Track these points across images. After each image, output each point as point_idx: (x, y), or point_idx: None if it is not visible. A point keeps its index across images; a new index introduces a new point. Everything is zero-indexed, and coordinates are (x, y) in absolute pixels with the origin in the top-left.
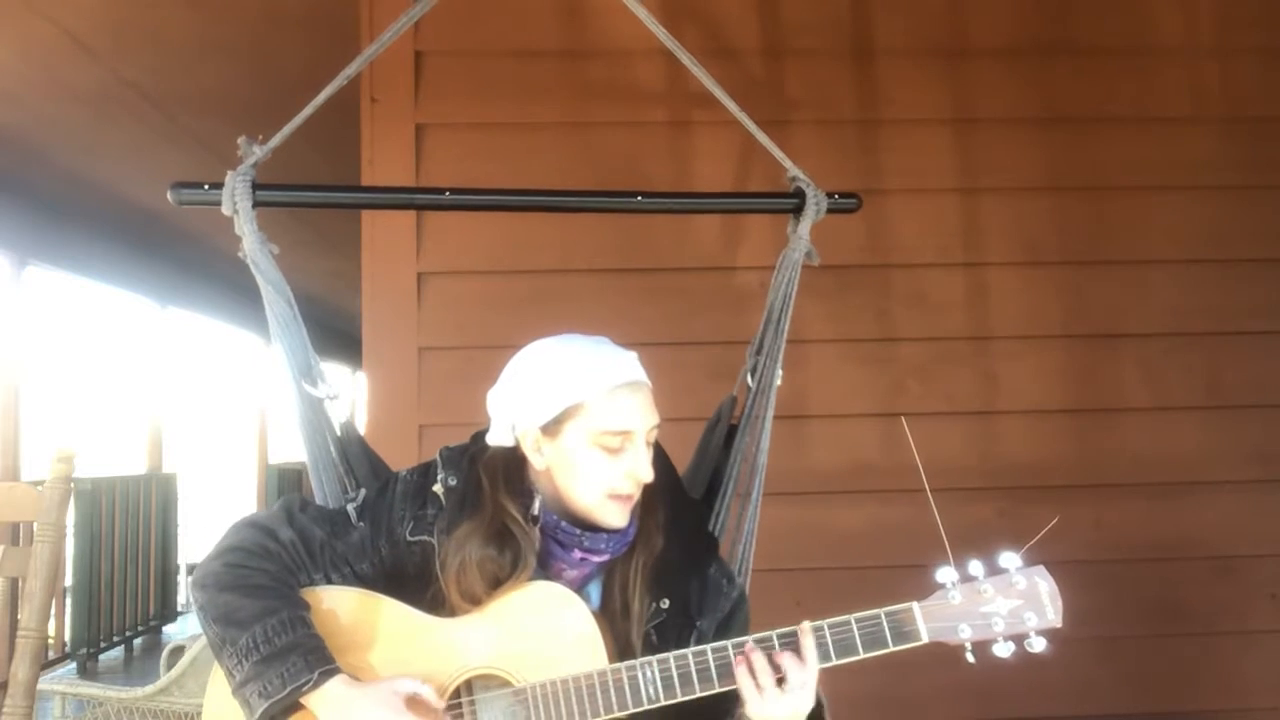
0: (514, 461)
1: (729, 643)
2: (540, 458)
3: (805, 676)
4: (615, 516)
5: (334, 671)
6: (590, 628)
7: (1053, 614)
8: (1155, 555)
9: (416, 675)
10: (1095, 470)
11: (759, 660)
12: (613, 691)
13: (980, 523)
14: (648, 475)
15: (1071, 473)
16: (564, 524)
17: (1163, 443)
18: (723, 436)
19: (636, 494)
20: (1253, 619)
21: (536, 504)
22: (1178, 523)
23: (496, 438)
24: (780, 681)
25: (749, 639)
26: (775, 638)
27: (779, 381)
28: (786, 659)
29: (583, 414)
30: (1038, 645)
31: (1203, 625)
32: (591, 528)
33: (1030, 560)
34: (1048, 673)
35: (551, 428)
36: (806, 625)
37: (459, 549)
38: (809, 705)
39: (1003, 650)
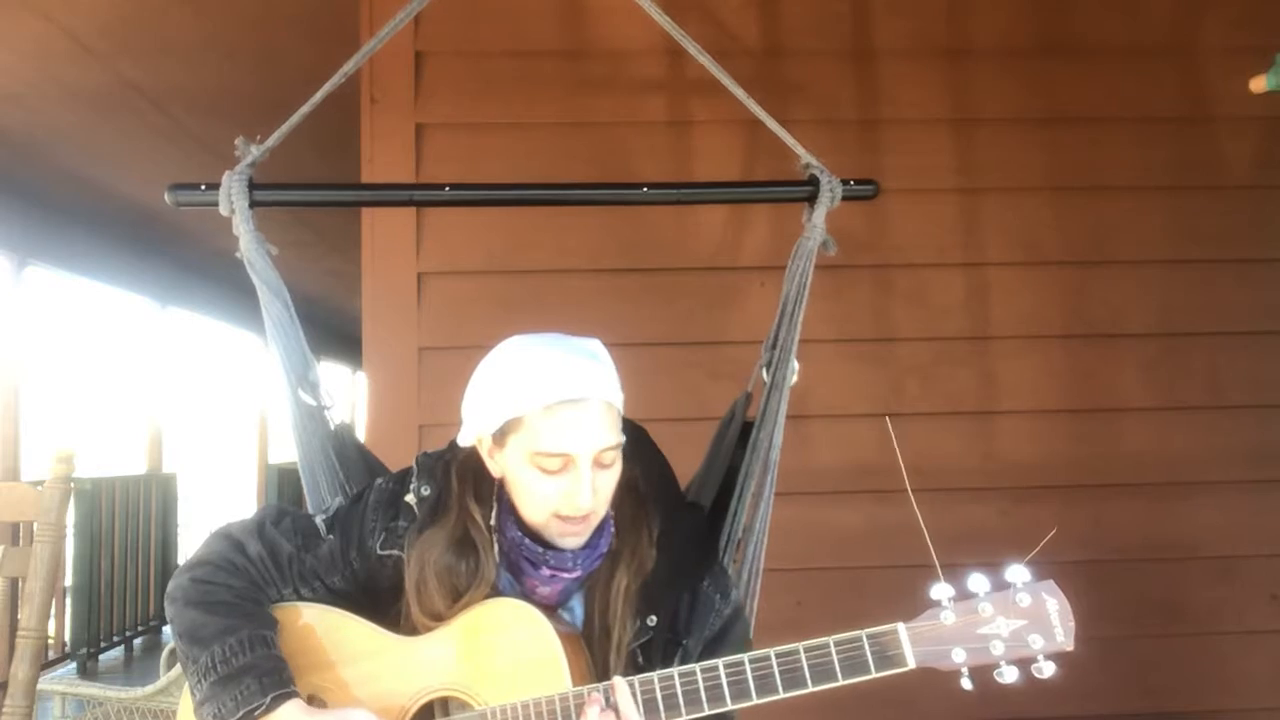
0: (485, 466)
1: (697, 667)
2: (493, 465)
3: None
4: (564, 539)
5: (289, 695)
6: (554, 649)
7: (1062, 635)
8: (1155, 555)
9: (381, 694)
10: (1095, 470)
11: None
12: (574, 715)
13: (980, 523)
14: (586, 503)
15: (1071, 473)
16: (527, 542)
17: (1163, 443)
18: (736, 434)
19: (591, 518)
20: (1253, 619)
21: (493, 514)
22: (1178, 523)
23: (465, 438)
24: None
25: (586, 689)
26: (603, 690)
27: (795, 377)
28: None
29: (522, 429)
30: (1046, 671)
31: (1203, 625)
32: (555, 545)
33: (1036, 570)
34: None
35: (499, 438)
36: (617, 681)
37: (420, 555)
38: None
39: (1005, 676)
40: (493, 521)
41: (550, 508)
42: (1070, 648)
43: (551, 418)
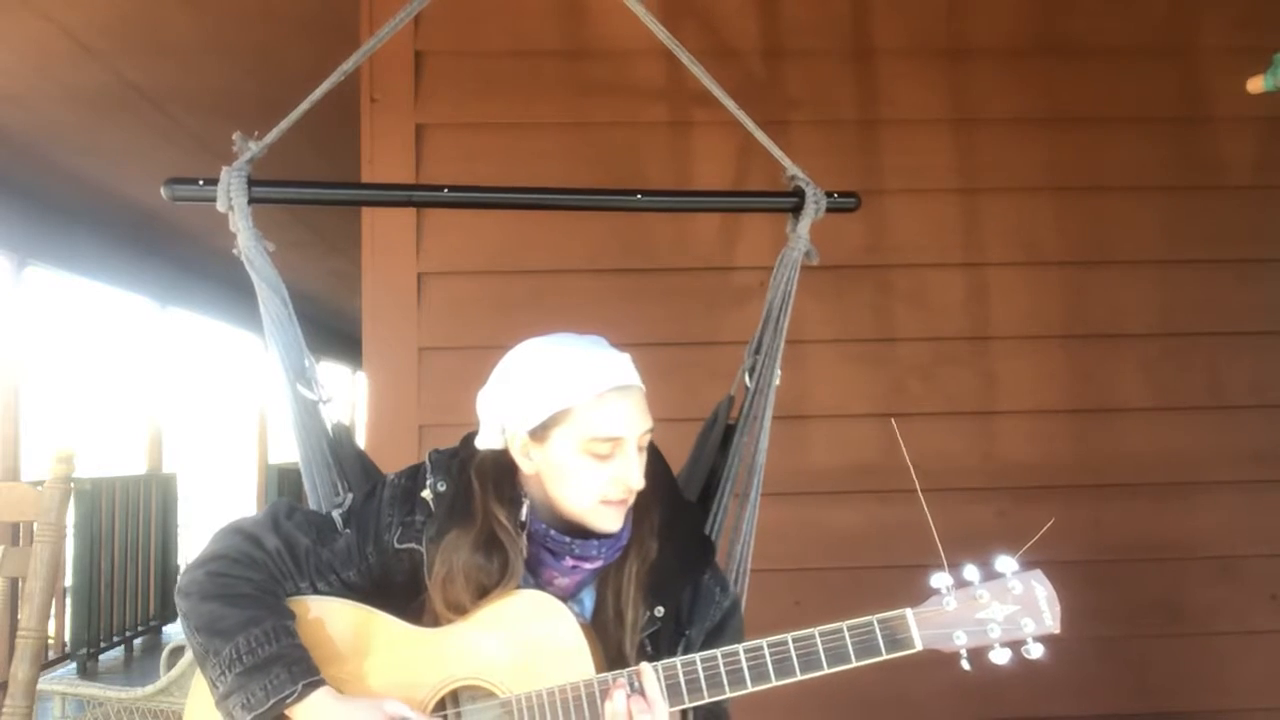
0: (504, 465)
1: (718, 652)
2: (529, 463)
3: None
4: (608, 521)
5: (319, 683)
6: (576, 638)
7: (1050, 620)
8: (1155, 555)
9: (401, 685)
10: (1095, 470)
11: (611, 706)
12: (599, 702)
13: (980, 523)
14: (638, 482)
15: (1071, 473)
16: (553, 532)
17: (1163, 443)
18: (719, 437)
19: (630, 499)
20: (1253, 619)
21: (524, 510)
22: (1178, 523)
23: (485, 441)
24: None
25: (611, 675)
26: (627, 675)
27: (778, 382)
28: (635, 704)
29: (571, 420)
30: (1035, 652)
31: (1203, 625)
32: (582, 534)
33: (1028, 563)
34: (1048, 673)
35: (539, 433)
36: (644, 667)
37: (447, 557)
38: None
39: (999, 657)
40: (523, 518)
41: (598, 494)
42: (1057, 631)
43: (605, 405)
